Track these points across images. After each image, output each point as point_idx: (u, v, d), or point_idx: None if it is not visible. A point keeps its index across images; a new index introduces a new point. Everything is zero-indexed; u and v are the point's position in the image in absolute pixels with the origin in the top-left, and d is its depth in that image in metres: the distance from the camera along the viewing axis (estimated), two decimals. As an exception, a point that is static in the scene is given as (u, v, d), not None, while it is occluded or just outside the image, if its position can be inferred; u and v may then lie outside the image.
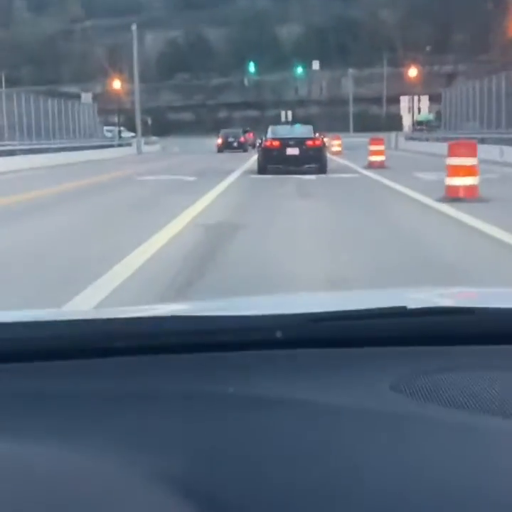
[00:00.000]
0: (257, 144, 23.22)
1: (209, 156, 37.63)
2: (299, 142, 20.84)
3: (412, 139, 39.29)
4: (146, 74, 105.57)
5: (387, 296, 1.71)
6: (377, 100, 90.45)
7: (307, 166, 20.62)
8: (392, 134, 42.30)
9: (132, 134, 60.84)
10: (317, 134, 22.11)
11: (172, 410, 1.03)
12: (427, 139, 37.93)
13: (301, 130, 22.64)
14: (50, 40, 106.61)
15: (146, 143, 51.57)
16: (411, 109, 44.13)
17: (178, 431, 0.95)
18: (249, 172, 21.64)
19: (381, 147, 22.62)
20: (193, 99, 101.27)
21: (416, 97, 44.88)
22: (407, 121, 44.04)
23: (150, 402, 1.06)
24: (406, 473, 0.83)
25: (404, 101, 45.09)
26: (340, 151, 35.24)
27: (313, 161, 20.72)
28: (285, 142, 20.77)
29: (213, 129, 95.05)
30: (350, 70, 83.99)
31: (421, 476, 0.82)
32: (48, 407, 1.04)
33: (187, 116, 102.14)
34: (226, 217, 10.15)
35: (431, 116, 44.10)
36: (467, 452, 0.89)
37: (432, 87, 60.60)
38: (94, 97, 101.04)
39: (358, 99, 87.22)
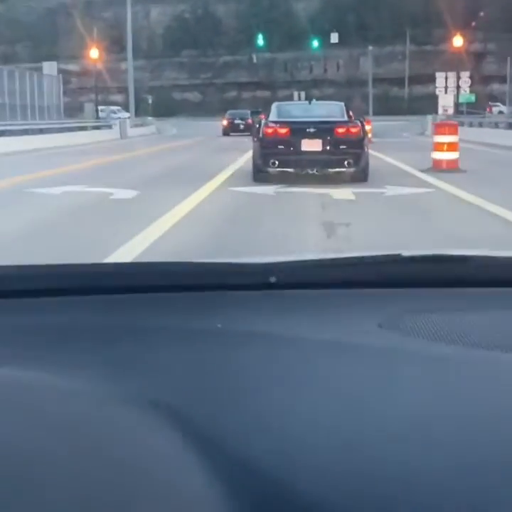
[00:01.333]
0: (255, 130, 14.41)
1: (206, 142, 31.24)
2: (324, 130, 12.71)
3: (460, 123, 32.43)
4: (150, 50, 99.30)
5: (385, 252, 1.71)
6: (398, 81, 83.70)
7: (336, 169, 12.70)
8: (427, 118, 35.55)
9: (128, 115, 54.79)
10: (352, 117, 13.64)
11: (170, 344, 1.07)
12: (481, 125, 31.24)
13: (325, 110, 14.14)
14: (49, 14, 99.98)
15: (138, 124, 45.08)
16: (447, 89, 37.24)
17: (174, 362, 0.99)
18: (242, 176, 13.90)
19: (454, 138, 14.75)
20: (200, 77, 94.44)
21: (453, 74, 37.98)
22: (444, 103, 37.13)
23: (146, 336, 1.10)
24: (396, 404, 0.85)
25: (440, 78, 38.13)
26: (370, 140, 27.95)
27: (347, 161, 12.52)
28: (299, 129, 12.75)
29: (220, 109, 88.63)
30: (370, 48, 77.03)
31: (408, 406, 0.84)
32: (47, 339, 1.10)
33: (193, 95, 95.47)
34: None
35: (472, 98, 37.45)
36: (454, 382, 0.92)
37: (459, 67, 54.13)
38: (87, 74, 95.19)
39: (377, 80, 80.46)
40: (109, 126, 35.88)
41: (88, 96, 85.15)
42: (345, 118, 13.29)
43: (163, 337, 1.09)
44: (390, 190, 11.29)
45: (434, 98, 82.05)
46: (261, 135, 12.94)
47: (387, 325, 1.10)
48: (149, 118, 51.80)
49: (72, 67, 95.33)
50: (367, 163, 12.86)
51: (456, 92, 37.20)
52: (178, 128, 52.73)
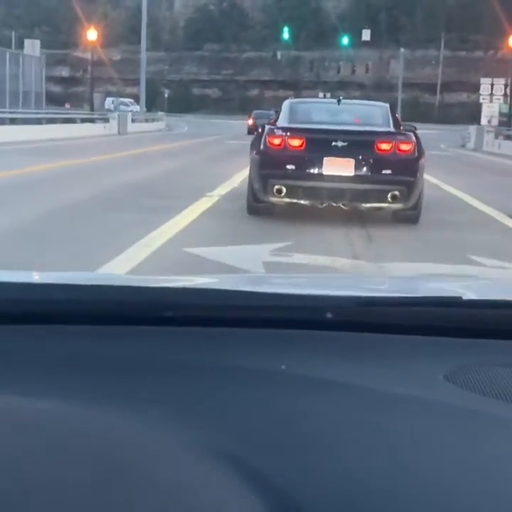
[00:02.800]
0: (255, 139, 9.37)
1: (213, 144, 26.97)
2: (358, 144, 8.63)
3: (508, 137, 27.99)
4: (171, 42, 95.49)
5: (440, 284, 1.69)
6: (430, 87, 79.46)
7: (375, 204, 8.65)
8: (470, 129, 31.34)
9: (131, 108, 51.15)
10: (401, 127, 9.29)
11: (216, 383, 1.03)
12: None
13: (361, 114, 9.90)
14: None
15: (147, 119, 41.16)
16: (492, 97, 33.00)
17: (221, 404, 0.96)
18: (227, 211, 9.45)
19: None
20: (221, 73, 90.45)
21: (500, 81, 33.73)
22: (489, 112, 32.91)
23: (195, 374, 1.07)
24: (457, 464, 0.83)
25: (485, 85, 33.89)
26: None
27: (392, 193, 8.45)
28: (321, 142, 8.64)
29: (240, 108, 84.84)
30: (402, 50, 72.80)
31: (474, 470, 0.82)
32: (79, 368, 1.07)
33: (212, 92, 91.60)
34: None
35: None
36: None
37: (494, 75, 50.06)
38: (111, 64, 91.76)
39: (408, 85, 76.21)
40: (106, 120, 31.46)
41: (104, 87, 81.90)
42: (392, 127, 9.04)
43: (218, 376, 1.05)
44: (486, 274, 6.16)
45: (466, 106, 77.98)
46: (263, 147, 8.67)
47: (453, 378, 1.05)
48: (160, 113, 47.95)
49: (89, 55, 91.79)
50: (420, 197, 8.79)
51: (502, 101, 32.98)
52: (192, 125, 48.89)
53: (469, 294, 1.36)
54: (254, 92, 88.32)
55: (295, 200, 8.60)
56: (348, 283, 1.78)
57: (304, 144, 8.57)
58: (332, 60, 79.75)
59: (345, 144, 8.51)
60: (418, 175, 8.69)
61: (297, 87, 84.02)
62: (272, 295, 1.34)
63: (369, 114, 9.75)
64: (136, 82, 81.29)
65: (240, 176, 12.97)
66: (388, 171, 8.45)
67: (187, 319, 1.22)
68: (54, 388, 0.96)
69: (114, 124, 30.78)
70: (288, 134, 8.65)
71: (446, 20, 77.31)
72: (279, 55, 68.08)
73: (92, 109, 34.38)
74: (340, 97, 10.56)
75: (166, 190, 11.31)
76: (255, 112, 41.04)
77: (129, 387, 0.99)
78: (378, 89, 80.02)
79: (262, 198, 8.72)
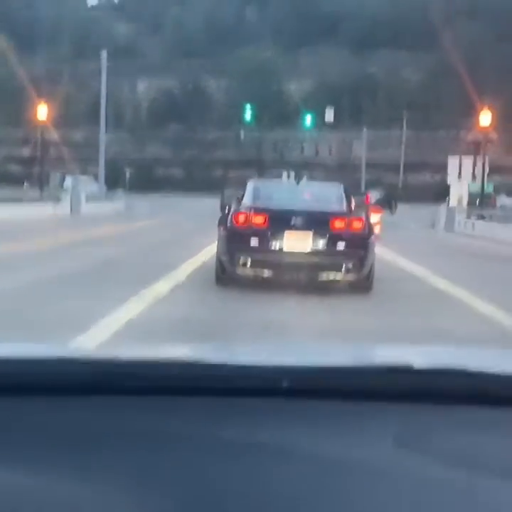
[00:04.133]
0: (222, 217, 10.34)
1: (169, 227, 25.09)
2: (315, 221, 9.55)
3: (482, 217, 26.85)
4: (134, 123, 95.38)
5: (390, 351, 1.78)
6: (393, 167, 79.68)
7: (331, 275, 9.46)
8: (440, 209, 30.38)
9: (90, 187, 49.96)
10: (353, 203, 10.34)
11: (176, 451, 1.08)
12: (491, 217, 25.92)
13: (318, 194, 10.82)
14: (34, 80, 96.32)
15: (105, 198, 39.83)
16: (461, 176, 32.17)
17: (180, 472, 1.00)
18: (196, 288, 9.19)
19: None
20: (185, 153, 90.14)
21: (469, 160, 33.01)
22: (459, 191, 32.04)
23: (155, 442, 1.11)
24: None
25: (453, 163, 33.19)
26: (378, 237, 21.43)
27: (346, 266, 9.30)
28: (282, 219, 9.54)
29: (205, 188, 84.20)
30: (365, 130, 73.14)
31: None
32: (55, 440, 1.10)
33: (177, 171, 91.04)
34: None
35: (491, 187, 32.50)
36: (466, 510, 0.94)
37: (457, 155, 49.84)
38: (73, 144, 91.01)
39: (371, 165, 76.36)
40: (57, 200, 29.82)
41: (66, 166, 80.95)
42: (344, 206, 10.07)
43: (164, 444, 1.08)
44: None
45: (430, 186, 78.23)
46: (229, 224, 9.66)
47: (403, 443, 1.09)
48: (119, 192, 46.66)
49: (53, 135, 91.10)
50: (372, 268, 9.73)
51: (470, 180, 32.20)
52: (152, 205, 47.63)
53: (420, 361, 1.39)
54: (219, 171, 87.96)
55: (259, 272, 9.48)
56: (302, 350, 1.83)
57: (267, 221, 9.48)
58: (296, 141, 79.92)
59: (304, 221, 9.47)
60: (369, 249, 9.62)
61: (262, 167, 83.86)
62: (228, 364, 1.35)
63: (325, 194, 10.65)
64: (98, 162, 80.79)
65: (190, 265, 11.29)
66: (342, 246, 9.39)
67: (142, 389, 1.25)
68: (9, 459, 0.98)
69: (66, 204, 29.24)
70: (252, 212, 9.59)
71: (407, 101, 78.16)
72: (242, 135, 67.81)
73: (41, 188, 32.67)
74: (301, 177, 12.23)
75: (80, 291, 8.90)
76: (226, 190, 41.00)
77: (84, 457, 1.01)
78: (342, 169, 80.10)
79: (228, 269, 9.61)
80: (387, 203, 55.14)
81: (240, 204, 9.99)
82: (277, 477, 0.97)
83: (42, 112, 33.22)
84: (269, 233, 9.41)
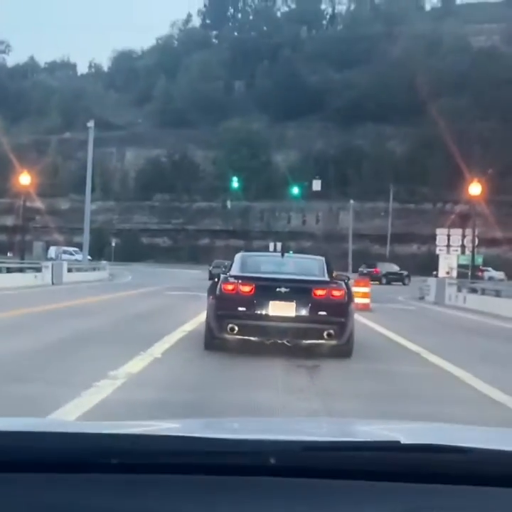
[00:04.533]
0: (212, 286, 11.09)
1: (150, 298, 24.07)
2: (298, 290, 10.29)
3: (473, 290, 26.26)
4: (121, 192, 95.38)
5: (379, 428, 1.76)
6: (379, 238, 79.63)
7: (313, 340, 10.23)
8: (430, 281, 29.85)
9: (75, 257, 49.54)
10: (334, 274, 11.10)
11: None
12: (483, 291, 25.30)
13: (301, 265, 11.65)
14: (21, 149, 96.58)
15: (89, 268, 39.14)
16: (449, 248, 31.76)
17: None
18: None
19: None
20: (171, 222, 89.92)
21: (457, 232, 32.67)
22: (447, 264, 31.62)
23: None
24: None
25: (442, 235, 32.87)
26: (367, 305, 20.48)
27: (327, 332, 9.98)
28: (268, 288, 10.24)
29: (191, 257, 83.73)
30: (352, 202, 73.30)
31: None
32: None
33: (162, 241, 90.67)
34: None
35: (480, 259, 32.15)
36: None
37: (443, 227, 49.74)
38: (60, 214, 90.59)
39: (358, 235, 76.31)
40: (38, 269, 29.05)
41: (52, 236, 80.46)
42: (326, 277, 10.78)
43: None
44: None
45: (416, 257, 78.04)
46: (218, 292, 10.31)
47: None
48: (103, 262, 46.06)
49: (38, 204, 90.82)
50: (352, 335, 10.38)
51: (459, 252, 31.78)
52: (137, 274, 46.97)
53: (407, 437, 1.36)
54: (205, 241, 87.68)
55: (246, 337, 10.04)
56: (289, 427, 1.79)
57: (253, 289, 10.13)
58: (282, 211, 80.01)
59: (288, 290, 10.15)
60: (349, 316, 10.29)
61: (248, 237, 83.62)
62: (215, 440, 1.32)
63: (308, 265, 11.44)
64: (84, 231, 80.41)
65: (161, 345, 10.43)
66: (323, 313, 10.02)
67: (129, 466, 1.22)
68: None
69: (47, 273, 28.48)
70: (239, 281, 10.26)
71: (393, 174, 78.61)
72: (228, 204, 67.66)
73: (22, 257, 31.93)
74: (288, 251, 13.28)
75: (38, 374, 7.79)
76: (215, 261, 46.35)
77: None
78: (329, 239, 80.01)
79: (217, 335, 10.17)
80: (399, 275, 55.41)
81: (228, 274, 10.64)
82: None
83: (24, 180, 32.49)
84: (256, 301, 10.01)
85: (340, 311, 10.08)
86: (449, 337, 14.60)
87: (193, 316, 14.83)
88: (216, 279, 10.83)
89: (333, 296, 10.17)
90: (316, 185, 48.91)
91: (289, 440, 1.35)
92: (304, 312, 10.01)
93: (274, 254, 14.36)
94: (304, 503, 1.14)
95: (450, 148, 75.16)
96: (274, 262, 11.93)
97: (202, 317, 12.12)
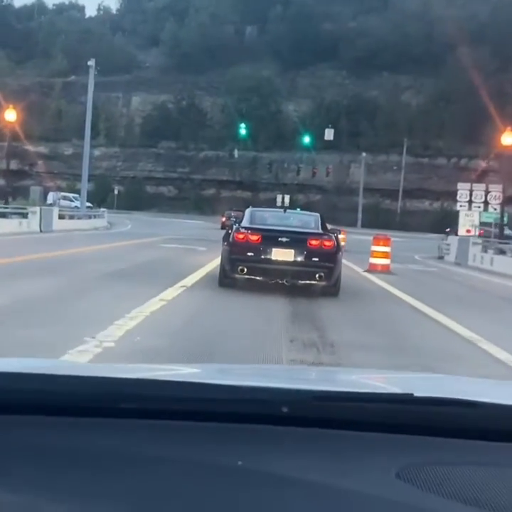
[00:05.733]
0: (226, 234, 13.07)
1: (144, 250, 21.95)
2: (296, 240, 12.41)
3: (502, 251, 23.98)
4: (126, 139, 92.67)
5: (391, 377, 1.79)
6: (391, 193, 77.23)
7: (307, 281, 12.26)
8: (451, 239, 27.71)
9: (75, 204, 47.44)
10: (327, 228, 13.23)
11: (174, 478, 1.07)
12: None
13: (299, 220, 13.98)
14: (25, 92, 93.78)
15: (84, 216, 37.07)
16: (471, 205, 29.47)
17: (177, 497, 1.01)
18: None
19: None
20: (177, 171, 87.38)
21: (481, 187, 30.34)
22: (469, 221, 29.39)
23: (152, 466, 1.11)
24: None
25: (463, 190, 30.50)
26: (387, 267, 17.76)
27: (319, 274, 12.08)
28: (271, 237, 12.37)
29: (196, 207, 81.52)
30: (364, 155, 70.73)
31: None
32: (46, 461, 1.10)
33: (168, 190, 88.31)
34: None
35: (505, 218, 29.85)
36: None
37: (457, 183, 47.39)
38: (63, 159, 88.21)
39: (369, 190, 73.98)
40: (24, 215, 26.78)
41: (54, 182, 78.18)
42: (319, 229, 12.94)
43: (162, 469, 1.08)
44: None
45: (428, 214, 75.69)
46: (231, 240, 12.42)
47: (404, 477, 1.10)
48: (102, 209, 43.95)
49: (41, 149, 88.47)
50: (339, 278, 12.50)
51: (482, 209, 29.54)
52: (137, 223, 44.95)
53: (420, 390, 1.38)
54: (211, 191, 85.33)
55: (253, 277, 12.10)
56: (301, 375, 1.84)
57: (260, 238, 12.26)
58: (291, 162, 77.27)
59: (288, 239, 12.26)
60: (337, 263, 12.29)
61: (255, 189, 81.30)
62: (227, 387, 1.34)
63: (305, 220, 13.71)
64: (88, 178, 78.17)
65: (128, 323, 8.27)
66: (316, 259, 12.08)
67: (140, 411, 1.24)
68: (5, 479, 0.97)
69: (34, 219, 26.27)
70: (249, 231, 12.36)
71: (407, 127, 75.86)
72: (236, 153, 65.21)
73: (6, 202, 29.61)
74: (293, 208, 17.83)
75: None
76: (226, 212, 50.51)
77: (80, 479, 1.00)
78: (339, 193, 77.66)
79: (229, 275, 12.26)
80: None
81: (239, 225, 12.61)
82: (277, 505, 0.97)
83: (10, 116, 30.13)
84: (261, 248, 12.11)
85: (330, 258, 12.14)
86: (499, 313, 11.73)
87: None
88: (229, 230, 12.86)
89: (324, 245, 12.25)
90: (329, 134, 46.64)
91: (303, 389, 1.33)
92: (300, 258, 12.09)
93: (278, 210, 16.13)
94: (314, 453, 1.14)
95: (468, 101, 72.43)
96: (277, 217, 13.96)
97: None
